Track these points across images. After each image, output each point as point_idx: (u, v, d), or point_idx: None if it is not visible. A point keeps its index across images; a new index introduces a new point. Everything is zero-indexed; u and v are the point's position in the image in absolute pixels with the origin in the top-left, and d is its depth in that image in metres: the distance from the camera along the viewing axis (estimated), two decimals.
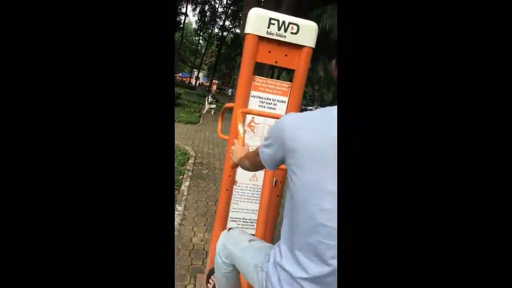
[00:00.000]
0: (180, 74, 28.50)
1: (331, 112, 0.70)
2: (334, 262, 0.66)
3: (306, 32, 1.43)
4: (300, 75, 1.49)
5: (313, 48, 1.46)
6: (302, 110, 0.88)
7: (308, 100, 35.25)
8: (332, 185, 0.65)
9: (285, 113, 1.53)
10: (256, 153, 0.86)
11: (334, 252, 0.66)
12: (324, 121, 0.69)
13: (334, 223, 0.65)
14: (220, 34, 24.76)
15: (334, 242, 0.65)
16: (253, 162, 0.91)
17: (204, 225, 2.51)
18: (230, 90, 20.07)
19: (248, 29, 1.40)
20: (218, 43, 25.57)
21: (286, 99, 1.55)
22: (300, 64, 1.46)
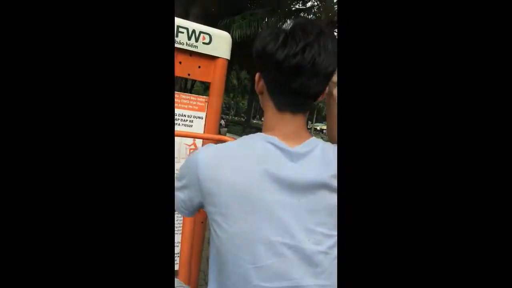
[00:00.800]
0: None
1: (253, 141, 0.58)
2: None
3: (219, 42, 1.34)
4: (217, 88, 1.38)
5: (228, 59, 1.37)
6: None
7: (224, 108, 35.76)
8: (271, 231, 0.53)
9: (204, 131, 1.40)
10: None
11: None
12: (248, 153, 0.56)
13: (273, 282, 0.53)
14: None
15: None
16: None
17: None
18: None
19: None
20: None
21: (203, 114, 1.42)
22: (216, 77, 1.36)
